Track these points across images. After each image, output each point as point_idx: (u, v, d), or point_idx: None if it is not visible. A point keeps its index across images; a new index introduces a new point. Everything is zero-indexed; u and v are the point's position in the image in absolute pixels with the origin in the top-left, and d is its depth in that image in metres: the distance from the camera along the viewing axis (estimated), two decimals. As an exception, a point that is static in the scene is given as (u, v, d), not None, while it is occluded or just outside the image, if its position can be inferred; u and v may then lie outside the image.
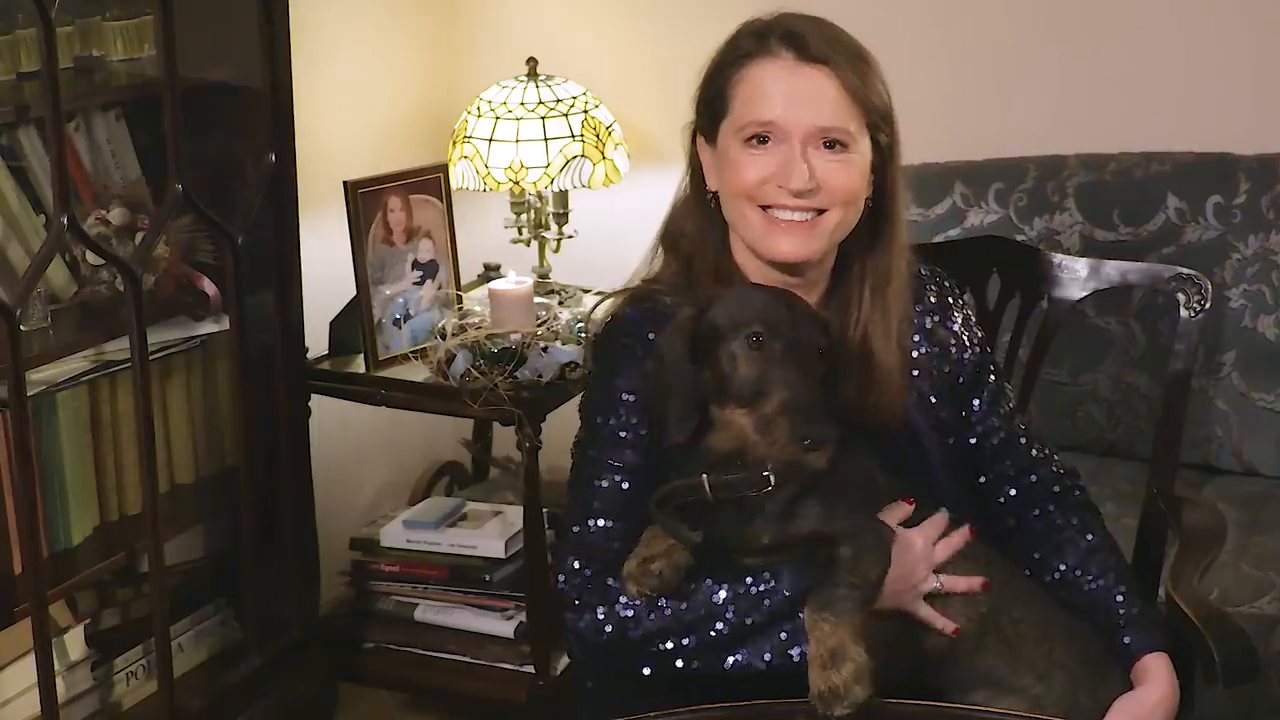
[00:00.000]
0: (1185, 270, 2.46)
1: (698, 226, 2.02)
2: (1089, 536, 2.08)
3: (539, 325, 2.95)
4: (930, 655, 1.93)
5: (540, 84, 3.17)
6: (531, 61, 3.19)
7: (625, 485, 1.93)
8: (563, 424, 2.96)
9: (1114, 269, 2.51)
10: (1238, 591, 2.65)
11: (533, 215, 3.25)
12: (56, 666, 2.48)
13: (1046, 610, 2.00)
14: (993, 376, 2.14)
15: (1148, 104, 3.19)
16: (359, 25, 3.38)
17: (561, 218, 3.25)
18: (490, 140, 3.12)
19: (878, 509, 1.92)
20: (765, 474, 1.81)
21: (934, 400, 2.06)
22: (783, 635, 1.85)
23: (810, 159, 1.90)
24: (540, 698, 2.94)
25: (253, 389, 2.74)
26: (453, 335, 2.93)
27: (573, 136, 3.13)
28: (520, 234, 3.25)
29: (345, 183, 2.97)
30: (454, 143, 3.20)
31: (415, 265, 3.07)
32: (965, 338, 2.12)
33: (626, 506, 1.92)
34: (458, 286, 3.13)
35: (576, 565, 1.92)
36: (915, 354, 2.05)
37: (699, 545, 1.86)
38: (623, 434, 1.93)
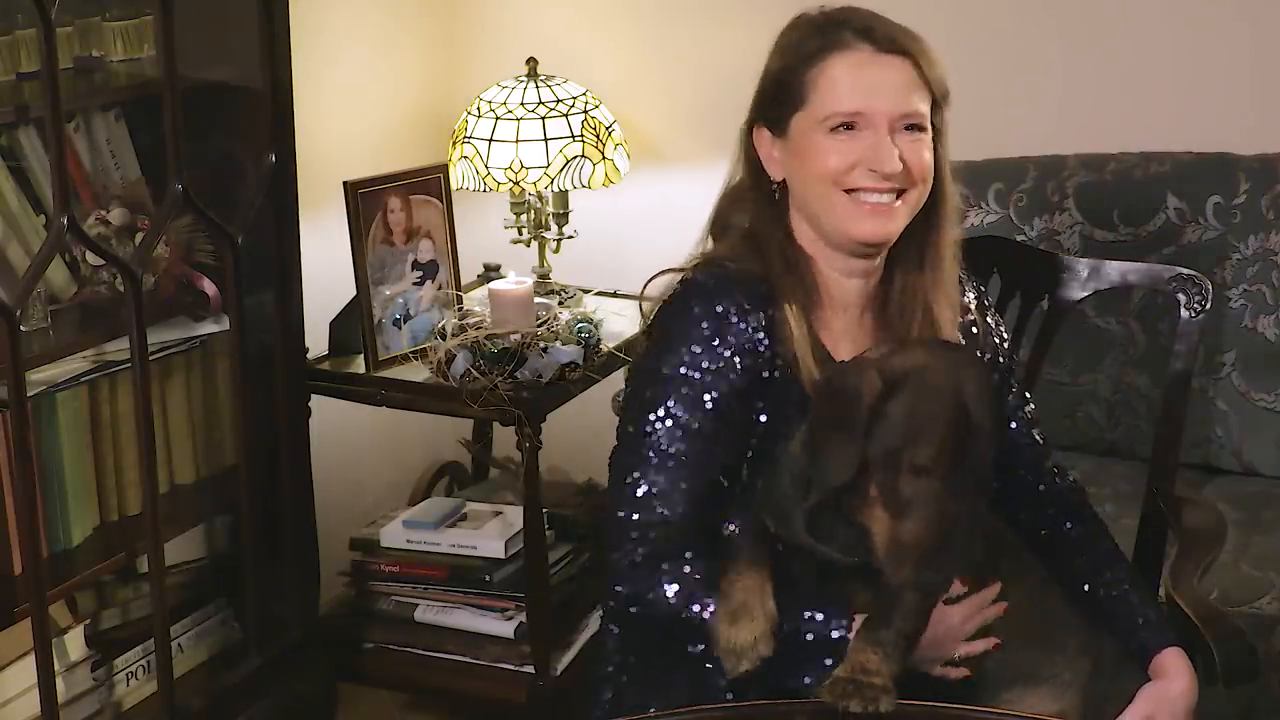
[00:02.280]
0: (1185, 270, 2.46)
1: (758, 216, 2.04)
2: (1099, 544, 2.11)
3: (539, 325, 2.95)
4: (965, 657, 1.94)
5: (540, 84, 3.17)
6: (531, 61, 3.19)
7: (683, 455, 1.94)
8: (563, 424, 2.97)
9: (1114, 269, 2.51)
10: (1238, 591, 2.65)
11: (533, 215, 3.25)
12: (56, 666, 2.48)
13: (1065, 604, 2.03)
14: (1015, 384, 2.18)
15: (1148, 104, 3.19)
16: (359, 25, 3.38)
17: (561, 218, 3.25)
18: (490, 140, 3.12)
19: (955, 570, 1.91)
20: None
21: None
22: (828, 662, 1.86)
23: (897, 142, 1.95)
24: (540, 698, 2.94)
25: (253, 389, 2.74)
26: (453, 335, 2.93)
27: (573, 136, 3.13)
28: (520, 234, 3.25)
29: (345, 183, 2.97)
30: (454, 143, 3.20)
31: (415, 265, 3.07)
32: (997, 341, 2.15)
33: (680, 479, 1.94)
34: (458, 286, 3.13)
35: (631, 536, 1.93)
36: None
37: (850, 567, 1.86)
38: (684, 391, 1.94)
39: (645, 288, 2.10)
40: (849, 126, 1.96)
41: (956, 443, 1.79)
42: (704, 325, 1.96)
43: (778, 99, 2.01)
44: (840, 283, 2.03)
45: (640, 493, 1.94)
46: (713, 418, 1.94)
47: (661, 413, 1.95)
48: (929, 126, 1.98)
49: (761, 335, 1.96)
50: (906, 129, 1.97)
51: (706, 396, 1.94)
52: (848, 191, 1.97)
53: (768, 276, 1.99)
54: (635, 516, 1.94)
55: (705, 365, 1.95)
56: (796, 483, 1.88)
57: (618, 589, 1.95)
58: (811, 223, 2.02)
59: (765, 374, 1.97)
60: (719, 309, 1.96)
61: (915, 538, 1.77)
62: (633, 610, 1.95)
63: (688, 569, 1.91)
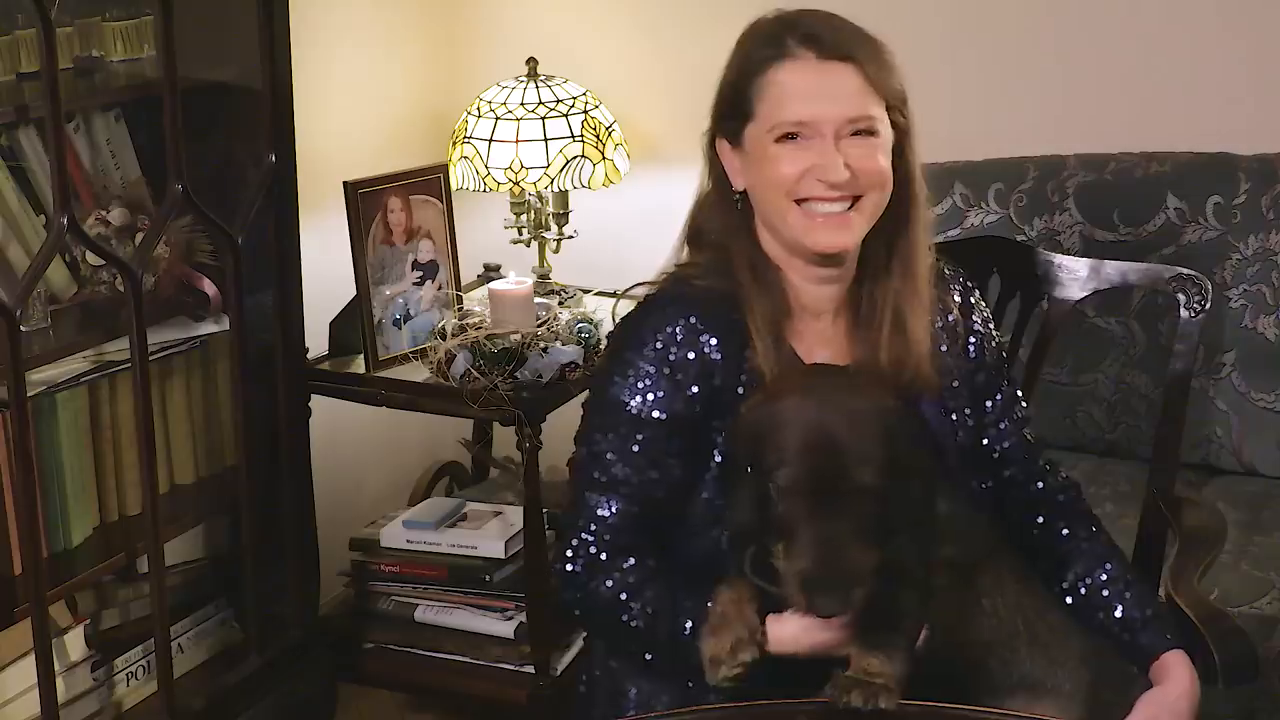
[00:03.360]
0: (1185, 270, 2.46)
1: (725, 225, 2.04)
2: (1095, 545, 2.09)
3: (539, 325, 2.95)
4: (968, 664, 1.93)
5: (540, 84, 3.17)
6: (531, 61, 3.19)
7: (625, 475, 1.96)
8: (563, 424, 2.96)
9: (1114, 269, 2.51)
10: (1238, 591, 2.65)
11: (533, 215, 3.25)
12: (56, 666, 2.48)
13: (1062, 610, 2.02)
14: (1007, 382, 2.17)
15: (1148, 104, 3.19)
16: (359, 25, 3.38)
17: (561, 218, 3.25)
18: (490, 140, 3.12)
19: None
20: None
21: (951, 396, 2.08)
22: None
23: (843, 149, 1.94)
24: (540, 698, 2.94)
25: (253, 389, 2.74)
26: (453, 335, 2.93)
27: (573, 136, 3.13)
28: (520, 234, 3.25)
29: (345, 183, 2.97)
30: (454, 143, 3.20)
31: (415, 265, 3.07)
32: (985, 338, 2.14)
33: (621, 498, 1.96)
34: (458, 287, 3.13)
35: (572, 545, 1.98)
36: (942, 348, 2.07)
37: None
38: (628, 414, 1.96)
39: (621, 295, 2.11)
40: (796, 136, 1.94)
41: (820, 465, 1.77)
42: (650, 347, 1.96)
43: (731, 110, 2.00)
44: (810, 290, 2.03)
45: (585, 508, 1.98)
46: (656, 438, 1.96)
47: (606, 434, 1.98)
48: (880, 130, 1.96)
49: (718, 356, 1.96)
50: (855, 134, 1.95)
51: (652, 416, 1.95)
52: (800, 202, 1.96)
53: (734, 291, 1.98)
54: (578, 530, 1.98)
55: (649, 387, 1.96)
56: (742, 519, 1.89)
57: (563, 597, 2.00)
58: (772, 233, 2.02)
59: (726, 393, 1.96)
60: (669, 329, 1.96)
61: (800, 562, 1.76)
62: (577, 614, 2.00)
63: (619, 574, 1.95)
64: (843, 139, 1.94)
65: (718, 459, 1.97)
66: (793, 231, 1.97)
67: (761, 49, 1.97)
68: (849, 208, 1.96)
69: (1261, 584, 2.67)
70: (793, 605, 1.80)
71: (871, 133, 1.95)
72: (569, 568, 1.98)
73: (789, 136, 1.95)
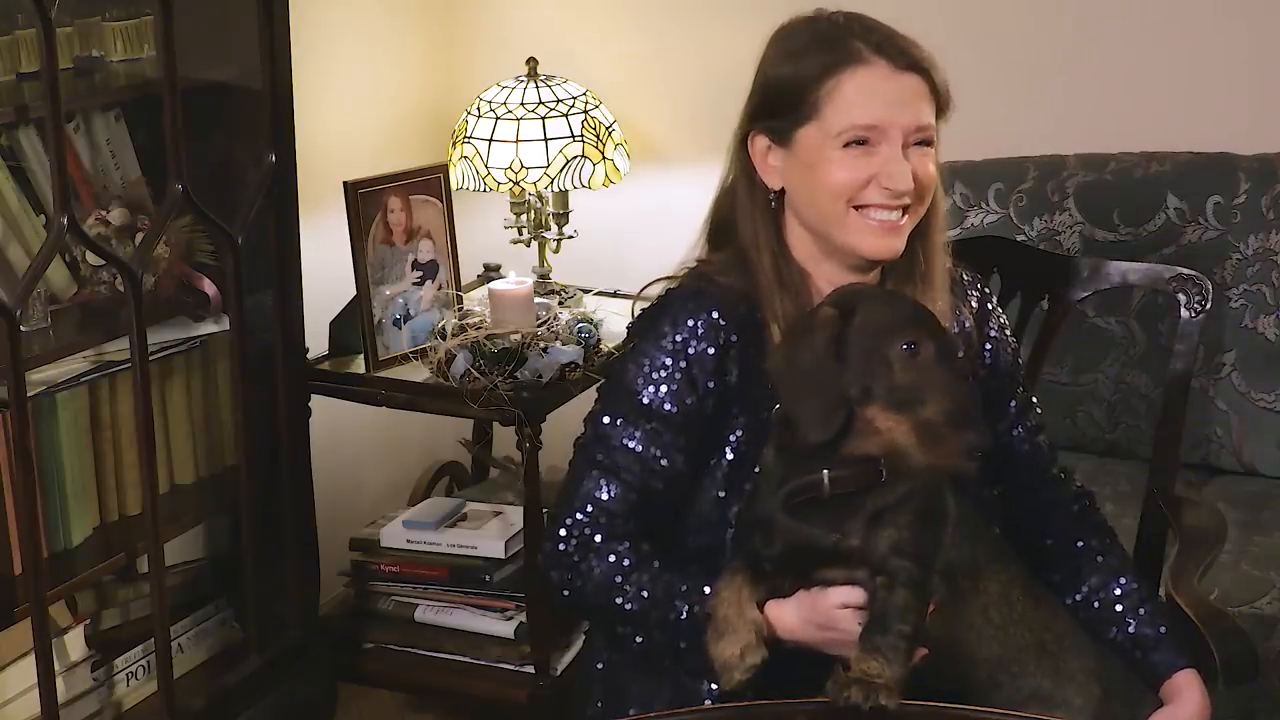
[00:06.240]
0: (1185, 270, 2.46)
1: (751, 223, 2.03)
2: (1110, 558, 2.09)
3: (539, 325, 2.95)
4: (978, 677, 1.93)
5: (540, 84, 3.17)
6: (531, 61, 3.19)
7: (629, 461, 1.97)
8: (563, 424, 2.97)
9: (1114, 269, 2.51)
10: (1238, 591, 2.65)
11: (533, 215, 3.25)
12: (56, 666, 2.48)
13: (1073, 623, 2.01)
14: (1021, 388, 2.16)
15: (1148, 104, 3.19)
16: (359, 25, 3.38)
17: (561, 218, 3.25)
18: (490, 140, 3.12)
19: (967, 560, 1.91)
20: (878, 468, 1.82)
21: None
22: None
23: (908, 157, 1.95)
24: (540, 698, 2.94)
25: (253, 389, 2.74)
26: (453, 335, 2.93)
27: (573, 136, 3.13)
28: (520, 234, 3.25)
29: (345, 183, 2.97)
30: (454, 143, 3.20)
31: (415, 265, 3.07)
32: (1001, 344, 2.14)
33: (622, 483, 1.97)
34: (458, 286, 3.13)
35: (565, 524, 1.98)
36: (958, 355, 2.06)
37: (830, 547, 1.85)
38: (638, 401, 1.97)
39: (639, 294, 2.11)
40: (862, 142, 1.94)
41: (928, 315, 1.86)
42: (669, 340, 1.97)
43: (784, 109, 1.98)
44: None
45: (584, 489, 1.98)
46: (664, 430, 1.96)
47: (614, 418, 1.98)
48: (934, 140, 1.98)
49: (737, 353, 1.96)
50: (917, 144, 1.96)
51: (662, 408, 1.96)
52: (857, 208, 1.96)
53: (755, 291, 1.98)
54: (574, 509, 1.98)
55: (663, 380, 1.96)
56: (773, 485, 1.88)
57: (550, 574, 2.00)
58: (813, 235, 2.01)
59: (739, 390, 1.97)
60: (690, 323, 1.96)
61: (942, 409, 1.79)
62: (565, 594, 2.00)
63: (613, 557, 1.96)
64: (908, 147, 1.95)
65: (729, 456, 1.97)
66: (846, 235, 1.97)
67: (825, 51, 1.95)
68: (902, 215, 1.96)
69: (1261, 584, 2.67)
70: (936, 463, 1.80)
71: (930, 143, 1.97)
72: (560, 546, 1.98)
73: (856, 142, 1.94)
